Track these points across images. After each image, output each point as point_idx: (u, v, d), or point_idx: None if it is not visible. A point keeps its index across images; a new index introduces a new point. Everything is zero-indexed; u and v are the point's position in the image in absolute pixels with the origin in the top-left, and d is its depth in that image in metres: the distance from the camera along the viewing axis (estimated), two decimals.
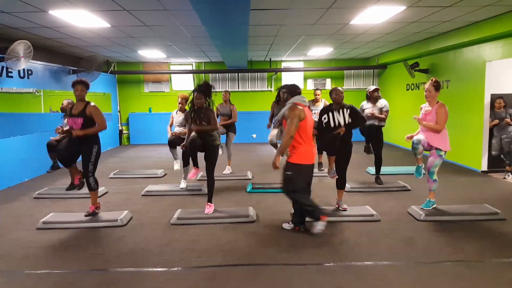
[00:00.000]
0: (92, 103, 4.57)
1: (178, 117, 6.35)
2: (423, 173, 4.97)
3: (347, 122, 4.58)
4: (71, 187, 5.97)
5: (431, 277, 3.17)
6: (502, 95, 7.00)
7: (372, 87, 6.26)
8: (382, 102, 6.15)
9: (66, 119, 5.42)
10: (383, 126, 6.18)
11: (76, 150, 4.65)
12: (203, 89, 4.71)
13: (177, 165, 6.44)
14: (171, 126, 6.59)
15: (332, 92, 4.71)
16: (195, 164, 4.86)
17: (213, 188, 4.84)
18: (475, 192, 5.82)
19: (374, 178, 6.43)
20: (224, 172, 7.17)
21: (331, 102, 4.78)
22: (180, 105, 6.23)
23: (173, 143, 6.26)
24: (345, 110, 4.61)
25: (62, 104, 6.05)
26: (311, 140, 4.06)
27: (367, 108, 6.14)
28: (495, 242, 3.87)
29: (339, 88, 4.73)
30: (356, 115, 4.63)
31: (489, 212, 4.66)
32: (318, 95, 7.02)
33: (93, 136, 4.56)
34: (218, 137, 4.88)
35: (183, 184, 6.15)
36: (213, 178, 4.79)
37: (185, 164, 6.04)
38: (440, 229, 4.26)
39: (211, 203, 4.86)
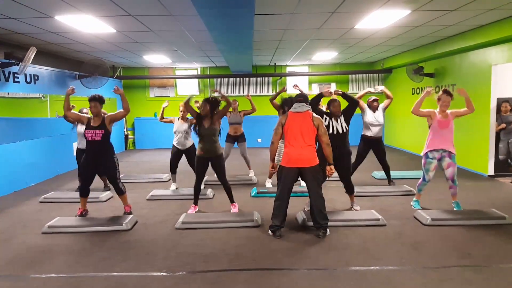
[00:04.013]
0: (106, 114, 4.99)
1: (180, 125, 6.27)
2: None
3: (344, 130, 4.88)
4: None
5: (439, 282, 3.13)
6: (508, 99, 6.96)
7: (372, 97, 6.39)
8: (381, 106, 6.34)
9: (81, 128, 5.58)
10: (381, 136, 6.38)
11: (95, 168, 5.01)
12: (213, 104, 4.98)
13: (174, 187, 6.55)
14: (162, 118, 6.39)
15: (329, 105, 4.96)
16: (195, 202, 5.21)
17: (231, 191, 5.19)
18: (481, 197, 5.77)
19: (379, 183, 6.50)
20: (250, 175, 7.44)
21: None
22: (182, 113, 6.20)
23: (174, 167, 6.41)
24: (341, 117, 4.92)
25: (82, 111, 6.05)
26: (295, 143, 4.19)
27: (369, 115, 6.22)
28: (503, 247, 3.83)
29: (337, 100, 4.95)
30: (350, 101, 4.99)
31: (496, 216, 4.62)
32: None
33: (110, 148, 4.97)
34: (220, 146, 5.13)
35: (173, 186, 6.52)
36: (227, 183, 5.15)
37: (173, 171, 6.44)
38: (446, 233, 4.22)
39: (235, 202, 5.23)
